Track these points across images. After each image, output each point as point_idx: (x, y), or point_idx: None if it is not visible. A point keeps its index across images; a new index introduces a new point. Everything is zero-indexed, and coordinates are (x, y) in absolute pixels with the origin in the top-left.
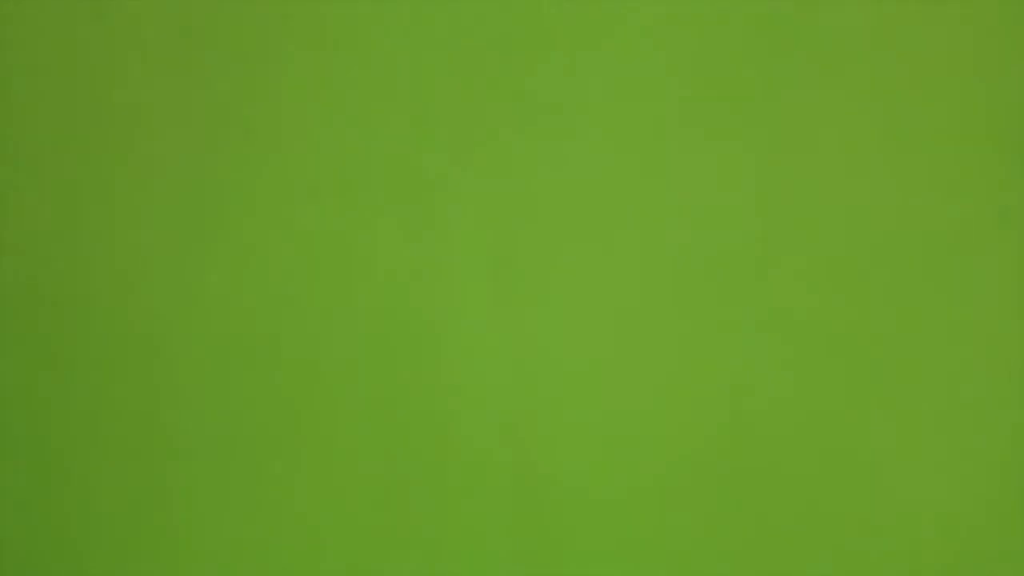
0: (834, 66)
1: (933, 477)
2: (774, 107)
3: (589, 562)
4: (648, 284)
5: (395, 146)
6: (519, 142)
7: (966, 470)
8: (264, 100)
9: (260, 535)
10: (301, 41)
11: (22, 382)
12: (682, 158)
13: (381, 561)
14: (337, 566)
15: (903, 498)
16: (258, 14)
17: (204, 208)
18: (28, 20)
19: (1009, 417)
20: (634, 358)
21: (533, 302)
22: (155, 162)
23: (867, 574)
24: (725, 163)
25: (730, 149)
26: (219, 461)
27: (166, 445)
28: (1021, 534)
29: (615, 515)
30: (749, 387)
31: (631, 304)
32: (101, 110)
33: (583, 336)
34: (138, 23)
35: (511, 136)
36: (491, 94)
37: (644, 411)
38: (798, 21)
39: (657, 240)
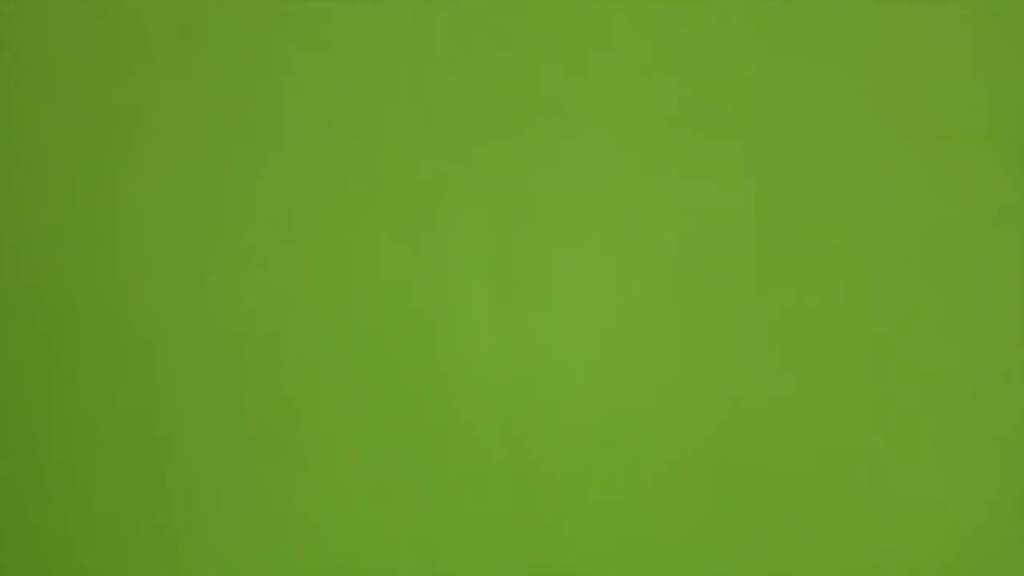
0: (834, 66)
1: (933, 477)
2: (774, 108)
3: (589, 562)
4: (648, 284)
5: (395, 146)
6: (519, 142)
7: (966, 470)
8: (264, 100)
9: (260, 535)
10: (301, 41)
11: (22, 382)
12: (682, 159)
13: (381, 561)
14: (337, 566)
15: (903, 498)
16: (258, 14)
17: (204, 208)
18: (28, 20)
19: (1009, 417)
20: (634, 358)
21: (533, 302)
22: (155, 162)
23: (867, 574)
24: (725, 163)
25: (730, 149)
26: (219, 461)
27: (166, 445)
28: (1021, 534)
29: (615, 515)
30: (749, 388)
31: (631, 304)
32: (101, 110)
33: (583, 336)
34: (138, 23)
35: (511, 136)
36: (491, 94)
37: (644, 411)
38: (798, 21)
39: (657, 240)
